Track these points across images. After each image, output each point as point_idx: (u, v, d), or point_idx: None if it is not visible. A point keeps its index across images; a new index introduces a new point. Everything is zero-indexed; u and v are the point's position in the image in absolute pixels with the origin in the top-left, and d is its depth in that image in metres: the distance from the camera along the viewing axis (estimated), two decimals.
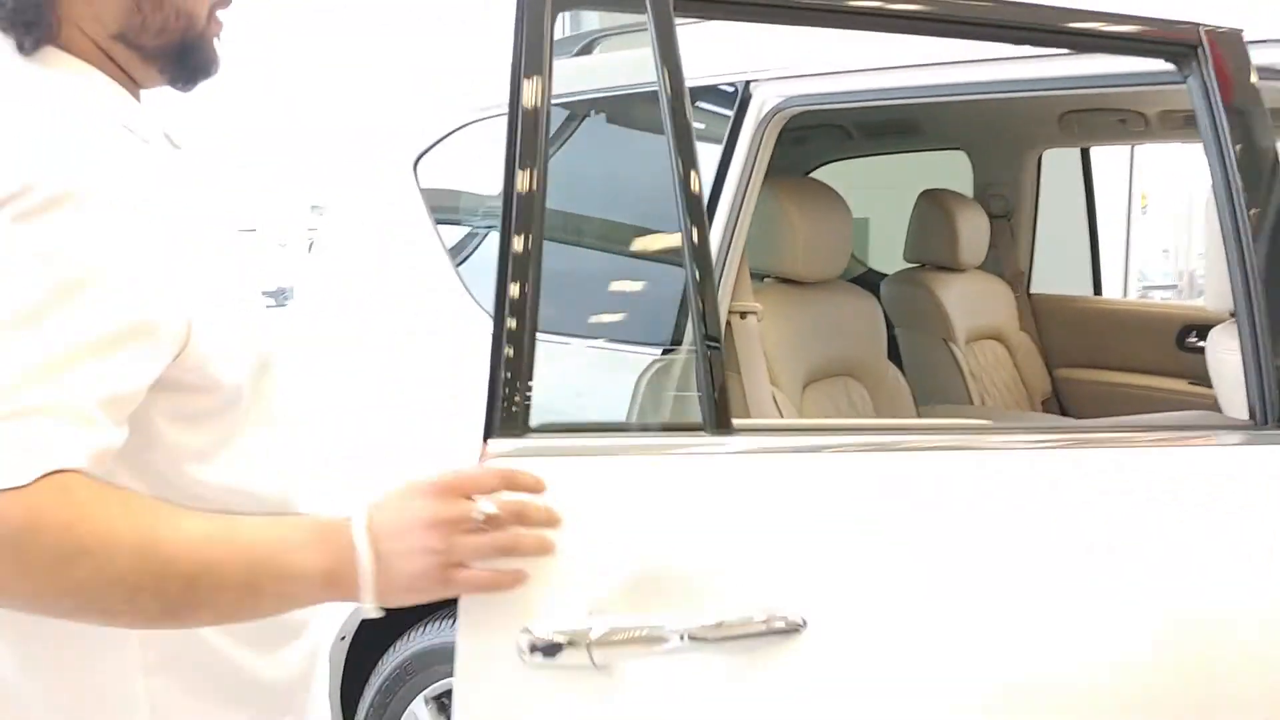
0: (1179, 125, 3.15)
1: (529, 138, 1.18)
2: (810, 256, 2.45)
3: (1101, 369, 3.58)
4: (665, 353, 2.08)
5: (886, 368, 2.71)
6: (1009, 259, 3.58)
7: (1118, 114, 3.14)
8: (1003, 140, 3.52)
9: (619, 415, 2.03)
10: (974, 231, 3.22)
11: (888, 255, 3.68)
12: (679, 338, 2.08)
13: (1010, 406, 3.28)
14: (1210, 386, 3.31)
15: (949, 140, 3.60)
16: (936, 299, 3.12)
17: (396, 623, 2.38)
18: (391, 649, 2.35)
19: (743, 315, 2.24)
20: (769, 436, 1.37)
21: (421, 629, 2.31)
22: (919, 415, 2.75)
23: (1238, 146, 1.45)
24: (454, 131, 2.49)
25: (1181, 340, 3.46)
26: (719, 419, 1.24)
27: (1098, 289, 3.69)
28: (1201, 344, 3.58)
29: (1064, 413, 3.59)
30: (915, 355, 3.17)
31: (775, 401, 2.25)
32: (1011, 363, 3.37)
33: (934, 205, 3.18)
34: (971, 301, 3.24)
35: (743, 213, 2.04)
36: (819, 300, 2.55)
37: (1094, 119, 3.21)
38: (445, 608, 2.23)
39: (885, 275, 3.53)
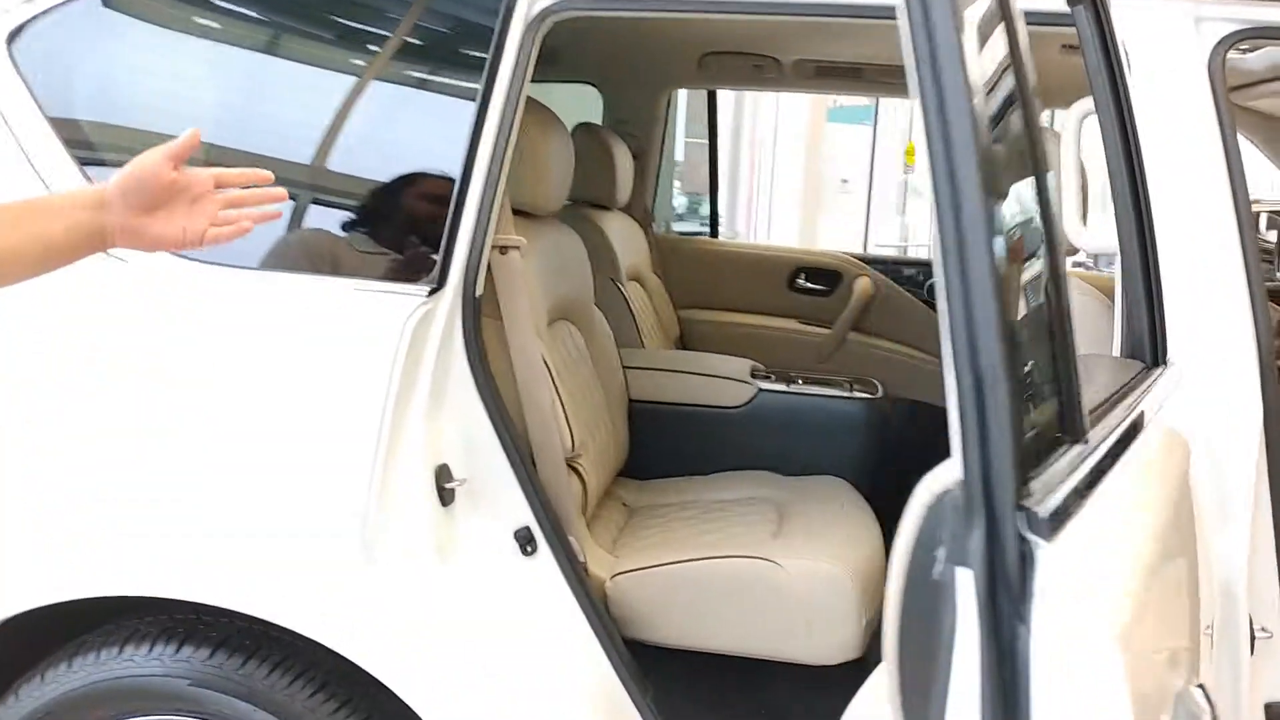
0: (810, 75, 3.31)
1: None
2: (544, 185, 2.20)
3: (720, 310, 3.70)
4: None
5: (595, 312, 2.54)
6: (639, 199, 3.55)
7: (754, 59, 3.22)
8: (636, 77, 3.46)
9: None
10: (626, 169, 3.14)
11: None
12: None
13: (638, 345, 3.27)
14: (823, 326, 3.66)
15: (581, 73, 3.48)
16: (607, 238, 2.99)
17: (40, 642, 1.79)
18: (32, 680, 1.76)
19: (504, 250, 1.94)
20: None
21: (71, 663, 1.75)
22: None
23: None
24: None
25: (792, 282, 3.68)
26: None
27: (714, 231, 3.81)
28: (811, 285, 3.88)
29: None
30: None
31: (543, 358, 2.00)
32: (651, 305, 3.36)
33: (593, 140, 3.03)
34: (623, 242, 3.16)
35: (513, 130, 1.76)
36: (547, 236, 2.30)
37: (731, 62, 3.27)
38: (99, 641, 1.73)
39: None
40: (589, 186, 3.08)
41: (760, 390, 2.67)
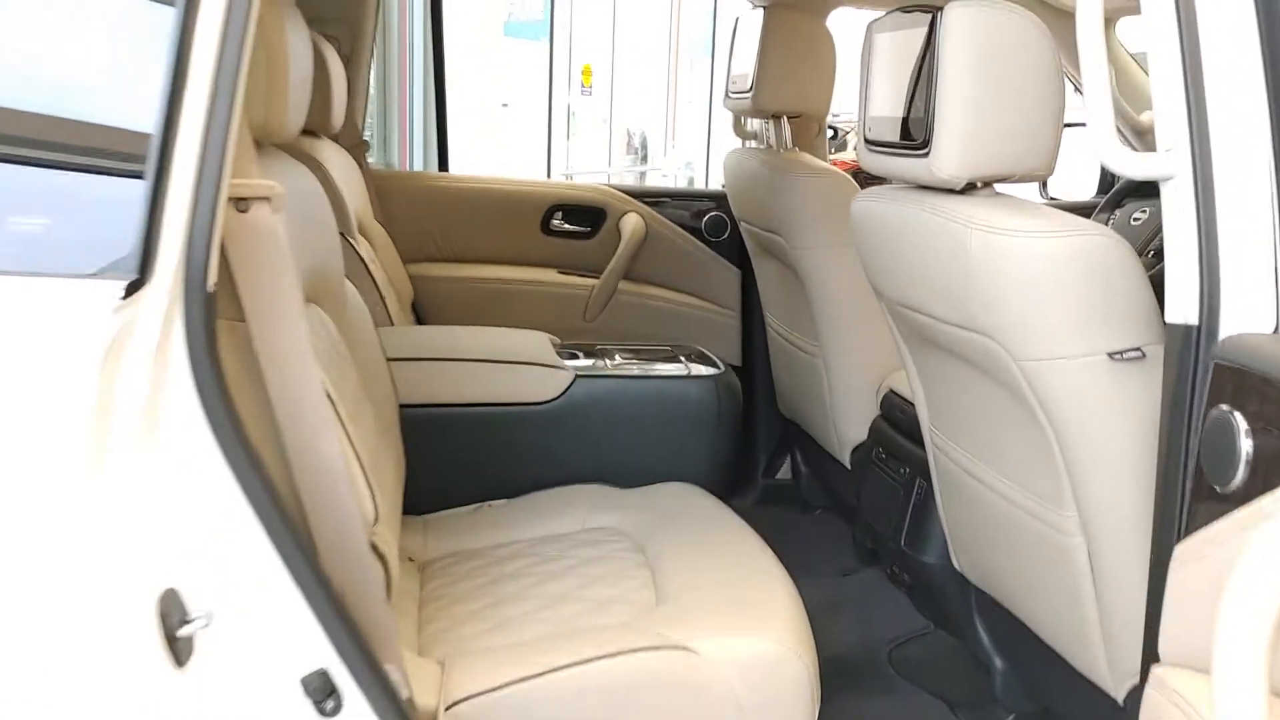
0: None
1: None
2: (280, 97, 1.39)
3: (458, 262, 2.95)
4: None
5: (347, 287, 1.74)
6: (350, 122, 2.70)
7: None
8: None
9: None
10: (341, 80, 2.30)
11: None
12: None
13: (395, 317, 2.48)
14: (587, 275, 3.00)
15: None
16: (331, 180, 2.16)
17: None
18: None
19: (243, 206, 1.15)
20: None
21: None
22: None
23: None
24: None
25: (547, 223, 2.99)
26: None
27: (444, 164, 3.02)
28: (569, 226, 3.19)
29: (421, 322, 2.89)
30: None
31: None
32: (378, 263, 2.56)
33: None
34: (345, 183, 2.34)
35: (245, 37, 1.00)
36: (278, 179, 1.48)
37: None
38: None
39: None
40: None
41: (577, 377, 1.99)
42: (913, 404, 2.23)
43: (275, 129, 1.38)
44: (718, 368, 2.10)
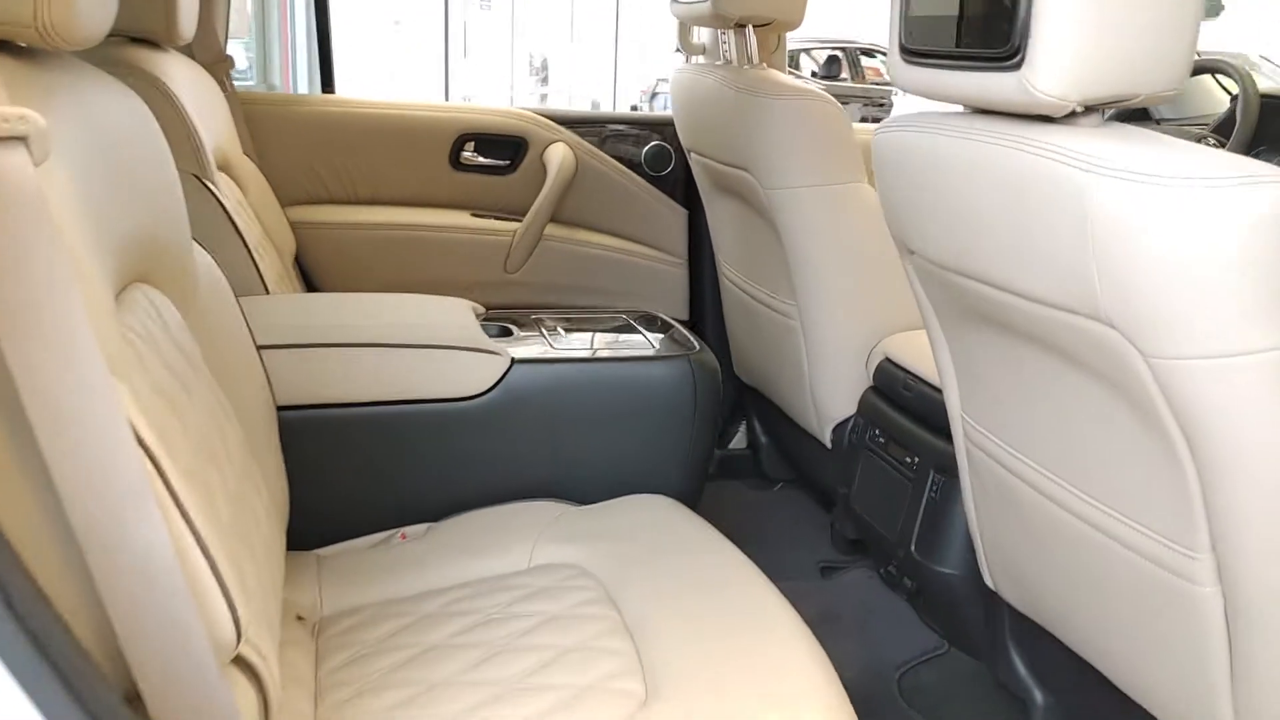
0: None
1: None
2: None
3: (348, 204, 2.45)
4: None
5: (198, 256, 1.25)
6: (207, 30, 2.15)
7: None
8: None
9: None
10: None
11: None
12: None
13: (273, 277, 1.98)
14: (507, 218, 2.50)
15: None
16: (176, 104, 1.64)
17: None
18: None
19: None
20: None
21: None
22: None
23: None
24: None
25: (457, 156, 2.49)
26: None
27: (327, 82, 2.48)
28: (483, 159, 2.69)
29: (307, 281, 2.39)
30: None
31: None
32: (251, 212, 2.05)
33: None
34: (199, 107, 1.82)
35: None
36: (70, 102, 0.98)
37: None
38: None
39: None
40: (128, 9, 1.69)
41: (514, 362, 1.53)
42: (919, 377, 1.84)
43: (60, 25, 0.88)
44: (690, 345, 1.66)
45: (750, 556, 1.38)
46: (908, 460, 1.81)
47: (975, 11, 1.11)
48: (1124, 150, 0.97)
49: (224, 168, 1.99)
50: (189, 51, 2.11)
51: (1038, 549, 1.40)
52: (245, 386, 1.30)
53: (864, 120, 12.28)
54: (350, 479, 1.49)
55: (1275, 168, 0.92)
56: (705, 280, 2.62)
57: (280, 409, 1.42)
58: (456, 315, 1.63)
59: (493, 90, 9.77)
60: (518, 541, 1.41)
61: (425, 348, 1.50)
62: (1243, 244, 0.90)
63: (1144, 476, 1.13)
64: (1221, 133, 2.66)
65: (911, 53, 1.21)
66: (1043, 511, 1.34)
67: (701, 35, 2.49)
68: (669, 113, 2.48)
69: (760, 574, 1.35)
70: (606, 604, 1.27)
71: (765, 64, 2.14)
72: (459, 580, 1.36)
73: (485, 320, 1.71)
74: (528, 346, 1.61)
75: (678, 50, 2.54)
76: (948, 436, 1.75)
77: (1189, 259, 0.92)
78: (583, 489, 1.55)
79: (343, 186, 2.42)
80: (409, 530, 1.49)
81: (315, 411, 1.46)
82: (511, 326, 1.71)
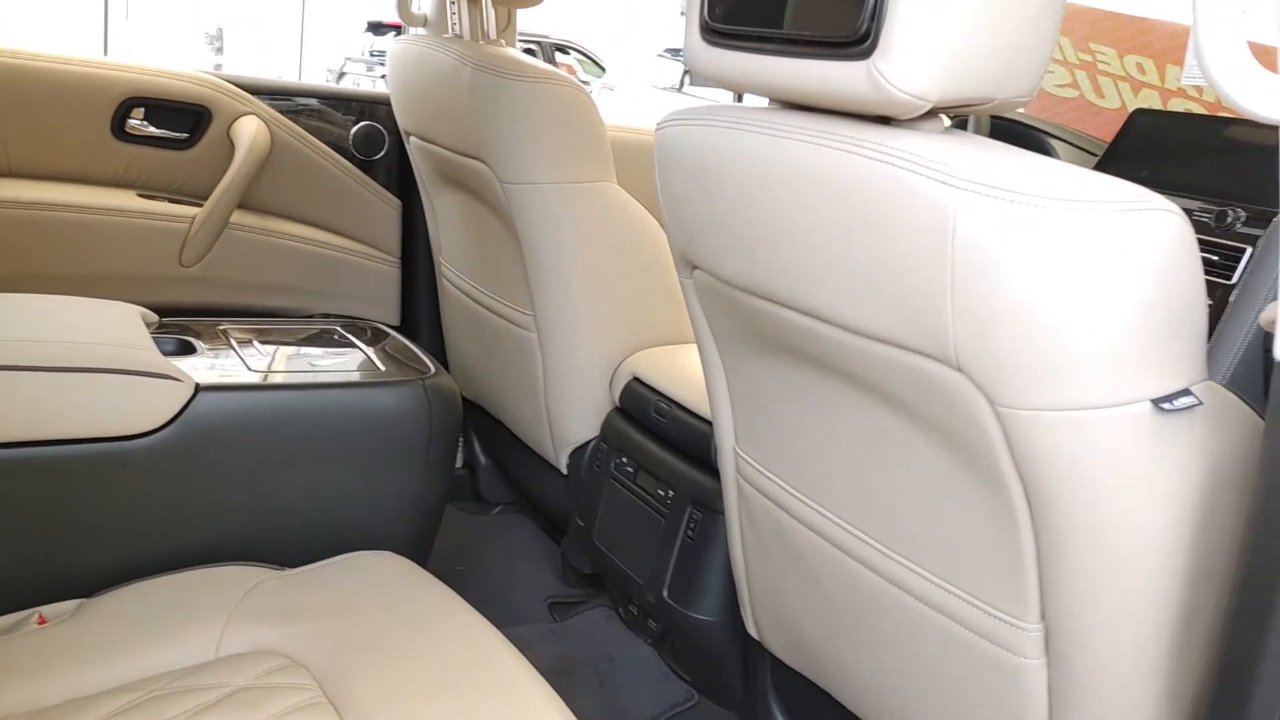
0: None
1: None
2: None
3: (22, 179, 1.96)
4: None
5: None
6: None
7: None
8: None
9: None
10: None
11: None
12: None
13: None
14: (185, 201, 2.04)
15: None
16: None
17: None
18: None
19: None
20: None
21: None
22: None
23: None
24: None
25: (121, 124, 2.06)
26: None
27: None
28: (156, 130, 2.23)
29: None
30: None
31: None
32: None
33: None
34: None
35: None
36: None
37: None
38: None
39: None
40: None
41: (199, 390, 1.19)
42: (674, 401, 1.67)
43: None
44: (422, 365, 1.39)
45: (471, 593, 1.15)
46: (660, 493, 1.63)
47: None
48: (989, 162, 0.82)
49: None
50: None
51: (821, 604, 1.25)
52: None
53: None
54: None
55: (1144, 191, 0.80)
56: (420, 281, 2.34)
57: None
58: (120, 326, 1.27)
59: (160, 59, 8.87)
60: (202, 621, 1.09)
61: (76, 371, 1.14)
62: (1124, 280, 0.77)
63: (970, 536, 1.00)
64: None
65: (717, 33, 1.01)
66: (834, 565, 1.19)
67: (423, 5, 2.20)
68: (383, 90, 2.18)
69: (518, 656, 1.11)
70: (323, 707, 0.99)
71: (504, 40, 1.90)
72: (121, 680, 1.03)
73: (159, 332, 1.36)
74: (215, 367, 1.28)
75: (370, 30, 2.25)
76: (708, 468, 1.59)
77: (1061, 295, 0.78)
78: (288, 548, 1.24)
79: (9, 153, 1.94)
80: (50, 610, 1.13)
81: None
82: (193, 340, 1.37)
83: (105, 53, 7.40)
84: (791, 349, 1.11)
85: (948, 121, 0.94)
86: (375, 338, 1.52)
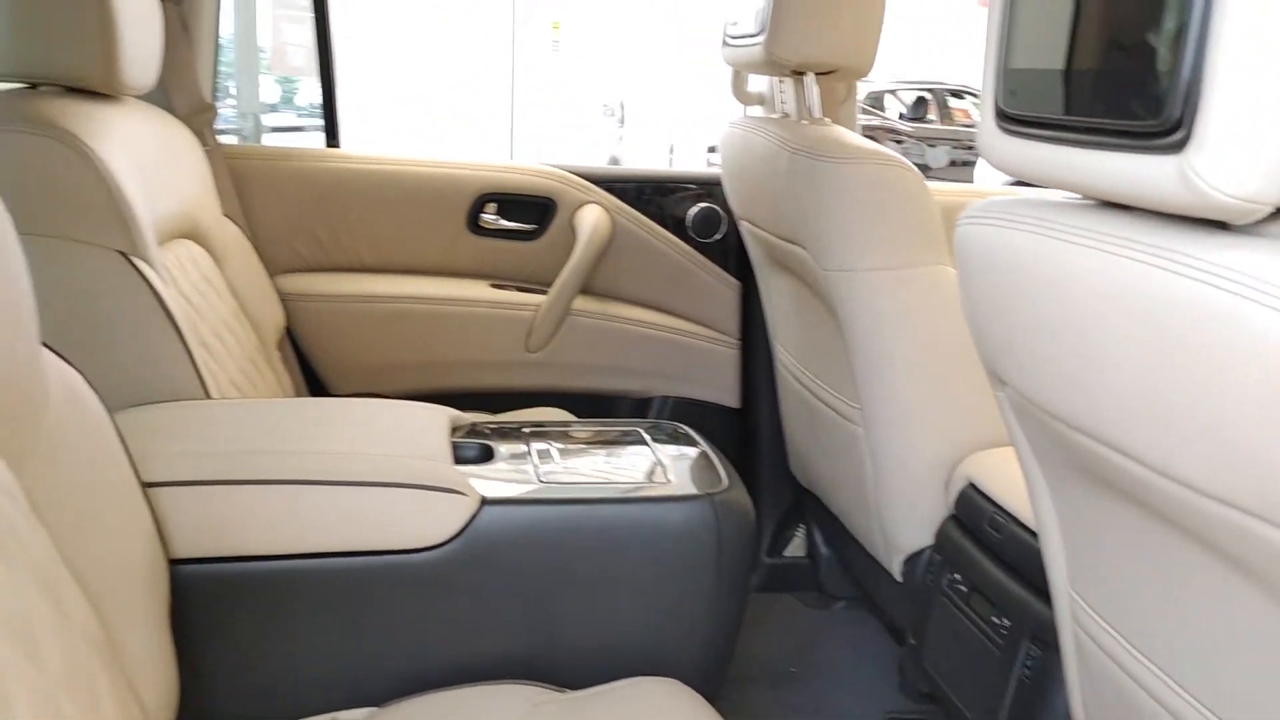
0: None
1: None
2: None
3: (348, 272, 2.15)
4: None
5: (31, 368, 0.95)
6: (185, 78, 1.89)
7: None
8: None
9: None
10: (143, 17, 1.49)
11: None
12: None
13: (241, 368, 1.69)
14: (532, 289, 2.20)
15: None
16: (97, 166, 1.35)
17: None
18: None
19: None
20: None
21: None
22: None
23: None
24: None
25: (475, 219, 2.19)
26: None
27: (332, 136, 2.20)
28: (506, 222, 2.39)
29: (301, 360, 2.10)
30: (65, 292, 1.36)
31: None
32: (223, 280, 1.76)
33: None
34: (150, 166, 1.54)
35: None
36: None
37: None
38: None
39: None
40: (48, 52, 1.42)
41: (484, 504, 1.20)
42: (1011, 515, 1.47)
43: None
44: (716, 479, 1.31)
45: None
46: (994, 620, 1.43)
47: (1109, 63, 0.75)
48: None
49: (192, 235, 1.71)
50: (165, 101, 1.84)
51: None
52: (112, 542, 0.99)
53: (952, 164, 11.84)
54: (268, 651, 1.17)
55: None
56: (759, 362, 2.27)
57: (175, 562, 1.11)
58: (423, 436, 1.30)
59: (565, 132, 9.56)
60: None
61: (368, 485, 1.17)
62: None
63: None
64: None
65: (1013, 119, 0.86)
66: None
67: (759, 83, 2.16)
68: (718, 172, 2.15)
69: None
70: None
71: (829, 119, 1.80)
72: None
73: (466, 436, 1.39)
74: (506, 478, 1.28)
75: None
76: (1047, 596, 1.37)
77: None
78: (569, 669, 1.20)
79: (344, 252, 2.13)
80: (344, 716, 1.16)
81: (222, 566, 1.14)
82: (494, 445, 1.38)
83: (511, 131, 8.11)
84: (1113, 485, 0.91)
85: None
86: (676, 440, 1.46)
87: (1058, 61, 0.81)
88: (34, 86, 1.47)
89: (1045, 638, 1.34)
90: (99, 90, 1.47)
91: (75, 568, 0.92)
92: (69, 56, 1.41)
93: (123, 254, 1.38)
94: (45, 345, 0.95)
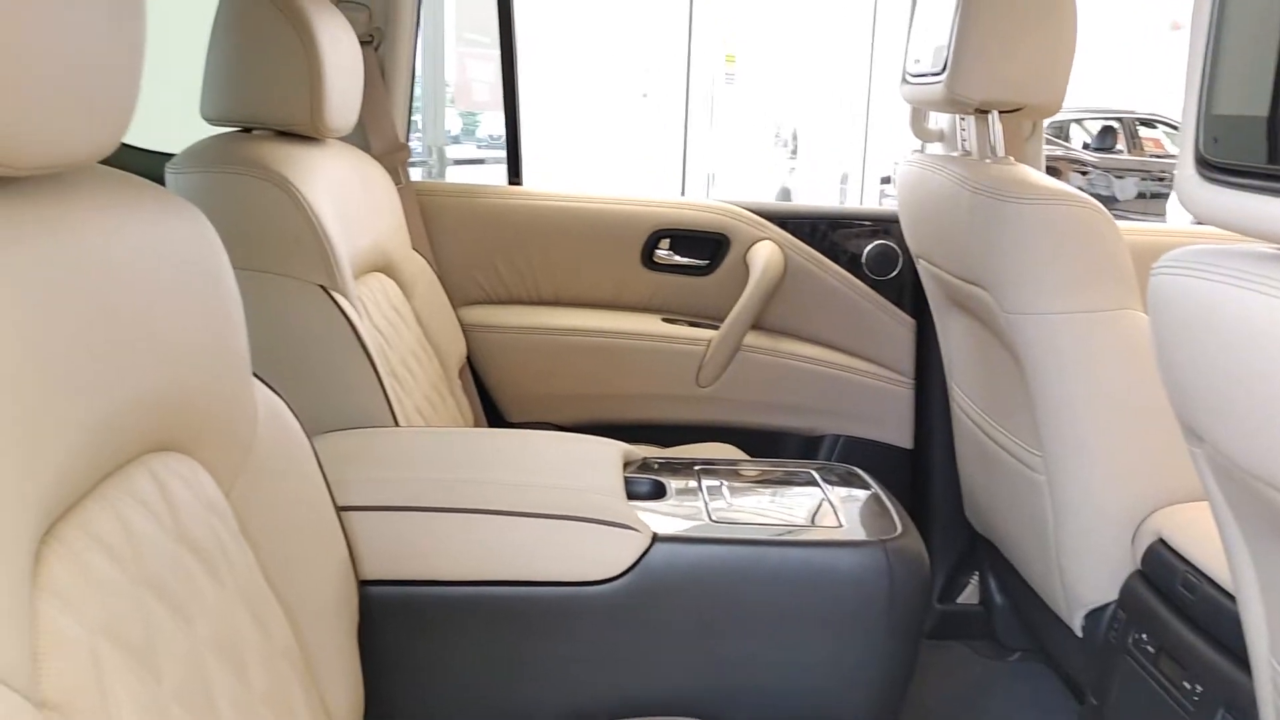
0: None
1: None
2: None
3: (527, 304, 2.22)
4: None
5: (246, 406, 1.02)
6: (381, 120, 2.00)
7: None
8: None
9: None
10: (346, 66, 1.59)
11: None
12: None
13: (425, 395, 1.76)
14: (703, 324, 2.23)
15: None
16: (303, 206, 1.45)
17: None
18: None
19: None
20: None
21: None
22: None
23: None
24: None
25: (649, 254, 2.23)
26: None
27: (515, 174, 2.29)
28: (679, 258, 2.44)
29: (479, 386, 2.18)
30: (271, 323, 1.47)
31: None
32: (411, 312, 1.85)
33: (272, 9, 1.48)
34: (349, 204, 1.63)
35: None
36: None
37: None
38: None
39: (162, 154, 1.77)
40: (264, 102, 1.53)
41: (656, 540, 1.22)
42: (1205, 575, 1.39)
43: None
44: (890, 524, 1.29)
45: None
46: (1185, 685, 1.36)
47: None
48: None
49: (384, 268, 1.80)
50: (363, 142, 1.95)
51: None
52: (311, 562, 1.05)
53: (1141, 196, 11.32)
54: (442, 672, 1.21)
55: None
56: (934, 402, 2.23)
57: (364, 583, 1.16)
58: (598, 471, 1.33)
59: (737, 163, 9.60)
60: None
61: (545, 517, 1.20)
62: None
63: None
64: None
65: (1216, 167, 0.82)
66: None
67: (939, 120, 2.13)
68: (894, 210, 2.13)
69: None
70: None
71: (1012, 157, 1.75)
72: None
73: (638, 471, 1.41)
74: (677, 514, 1.29)
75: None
76: (1244, 663, 1.29)
77: None
78: (735, 710, 1.20)
79: (523, 285, 2.20)
80: None
81: (405, 589, 1.19)
82: (666, 481, 1.40)
83: (684, 160, 8.19)
84: None
85: None
86: (847, 483, 1.44)
87: (1263, 108, 0.77)
88: (248, 130, 1.59)
89: (1242, 706, 1.26)
90: (306, 134, 1.57)
91: (276, 586, 0.98)
92: (280, 104, 1.52)
93: (324, 288, 1.47)
94: (253, 374, 1.02)
